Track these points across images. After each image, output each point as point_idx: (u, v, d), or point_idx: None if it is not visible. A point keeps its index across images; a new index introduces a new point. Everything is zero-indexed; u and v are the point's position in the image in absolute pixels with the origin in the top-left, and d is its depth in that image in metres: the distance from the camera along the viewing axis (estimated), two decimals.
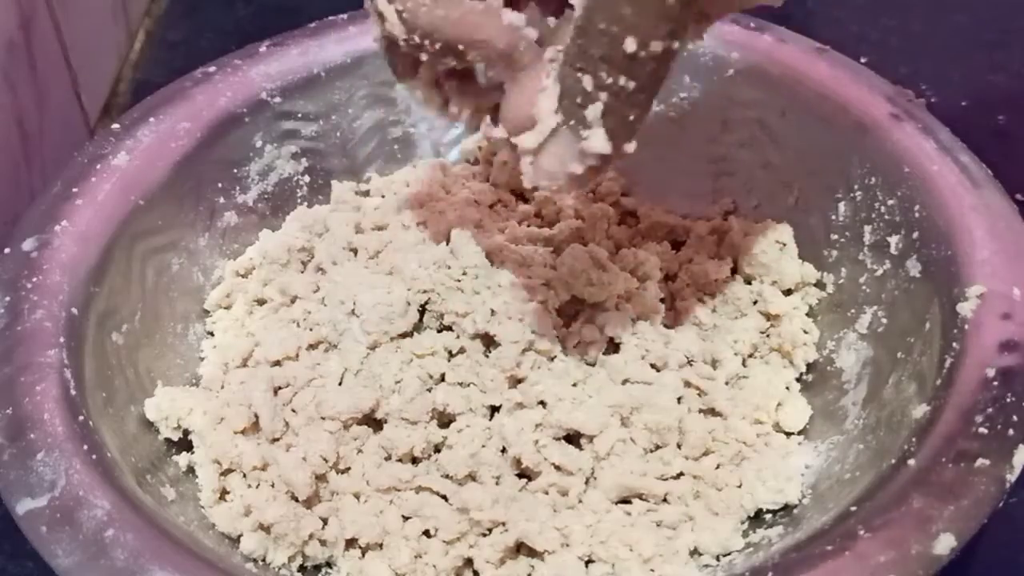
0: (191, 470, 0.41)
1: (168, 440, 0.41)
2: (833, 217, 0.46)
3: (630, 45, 0.31)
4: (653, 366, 0.42)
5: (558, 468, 0.39)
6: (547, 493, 0.39)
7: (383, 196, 0.50)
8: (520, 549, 0.38)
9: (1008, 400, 0.36)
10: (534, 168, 0.34)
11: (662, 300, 0.44)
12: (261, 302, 0.46)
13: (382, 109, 0.52)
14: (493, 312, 0.41)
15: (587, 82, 0.32)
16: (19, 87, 0.51)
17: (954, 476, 0.34)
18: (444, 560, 0.38)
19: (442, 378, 0.41)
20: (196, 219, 0.47)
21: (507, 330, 0.41)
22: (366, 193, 0.51)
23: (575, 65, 0.32)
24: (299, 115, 0.50)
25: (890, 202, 0.44)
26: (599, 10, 0.31)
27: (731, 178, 0.50)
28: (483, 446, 0.40)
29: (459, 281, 0.42)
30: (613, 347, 0.43)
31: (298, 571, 0.39)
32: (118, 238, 0.43)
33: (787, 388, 0.44)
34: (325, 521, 0.39)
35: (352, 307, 0.42)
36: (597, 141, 0.32)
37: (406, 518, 0.39)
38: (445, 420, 0.41)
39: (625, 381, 0.41)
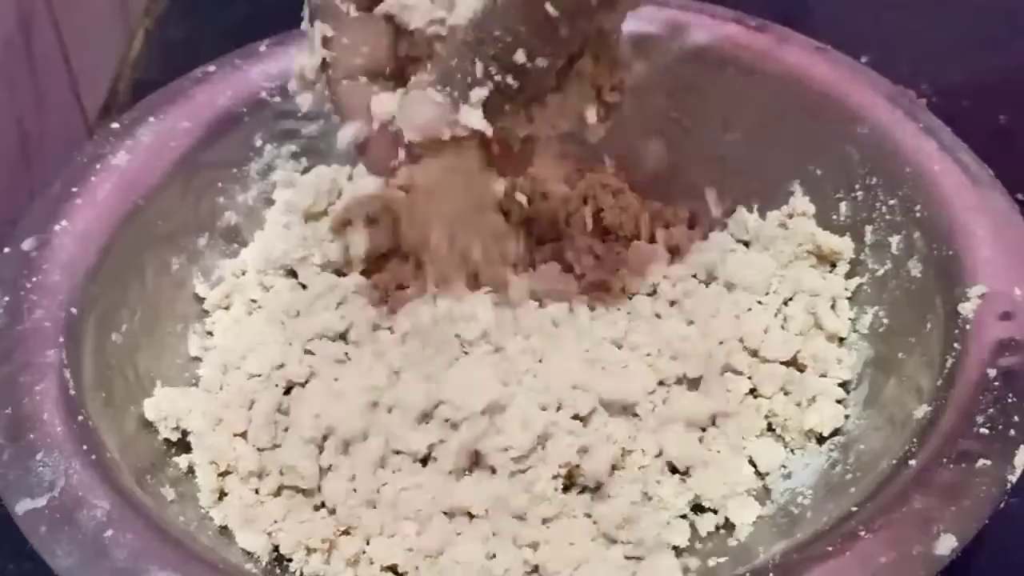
0: (191, 470, 0.41)
1: (168, 440, 0.41)
2: (834, 217, 0.46)
3: (520, 57, 0.33)
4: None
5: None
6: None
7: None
8: None
9: (1009, 400, 0.36)
10: (400, 112, 0.36)
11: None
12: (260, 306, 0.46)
13: None
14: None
15: (478, 69, 0.34)
16: (18, 87, 0.51)
17: (955, 477, 0.34)
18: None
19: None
20: (196, 219, 0.47)
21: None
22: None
23: (469, 46, 0.34)
24: (299, 115, 0.50)
25: (891, 202, 0.44)
26: (497, 17, 0.33)
27: (731, 178, 0.50)
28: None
29: None
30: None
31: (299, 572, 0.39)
32: (118, 238, 0.43)
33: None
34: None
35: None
36: (474, 119, 0.35)
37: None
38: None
39: None
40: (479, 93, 0.34)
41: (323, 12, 0.36)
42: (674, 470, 0.41)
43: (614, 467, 0.40)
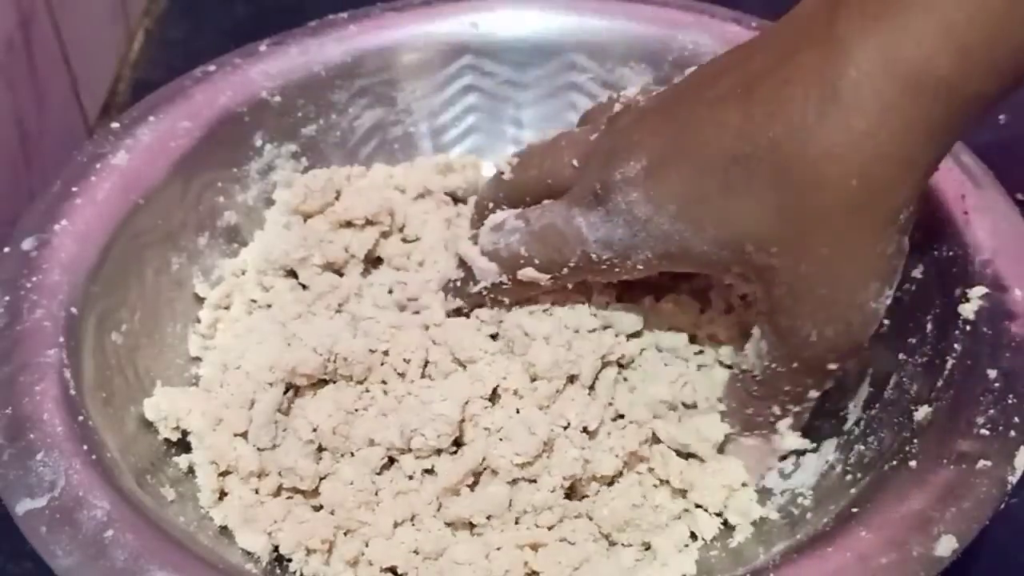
0: (191, 470, 0.41)
1: (168, 440, 0.41)
2: None
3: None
4: None
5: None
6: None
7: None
8: None
9: (1010, 401, 0.36)
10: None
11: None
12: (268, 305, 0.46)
13: (382, 109, 0.52)
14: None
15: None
16: (19, 87, 0.51)
17: (955, 477, 0.34)
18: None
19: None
20: (196, 219, 0.47)
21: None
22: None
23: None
24: (299, 114, 0.50)
25: None
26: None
27: None
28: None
29: None
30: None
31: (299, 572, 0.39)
32: (118, 238, 0.43)
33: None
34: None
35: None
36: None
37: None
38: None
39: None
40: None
41: None
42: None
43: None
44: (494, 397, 0.40)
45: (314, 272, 0.46)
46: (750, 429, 0.40)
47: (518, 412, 0.39)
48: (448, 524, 0.39)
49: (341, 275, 0.46)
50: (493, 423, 0.39)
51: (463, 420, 0.39)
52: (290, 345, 0.41)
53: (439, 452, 0.39)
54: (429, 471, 0.40)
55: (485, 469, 0.39)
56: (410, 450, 0.39)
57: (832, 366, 0.36)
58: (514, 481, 0.39)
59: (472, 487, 0.39)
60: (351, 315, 0.43)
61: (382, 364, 0.41)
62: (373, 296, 0.44)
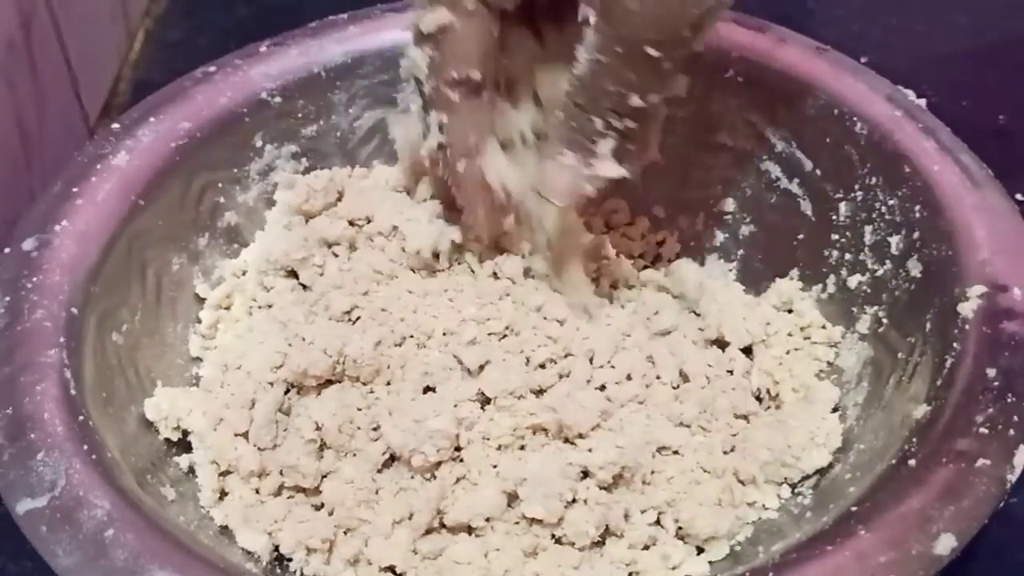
0: (191, 470, 0.41)
1: (168, 440, 0.41)
2: (834, 217, 0.46)
3: (635, 101, 0.36)
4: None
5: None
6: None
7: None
8: None
9: (1009, 400, 0.36)
10: (540, 184, 0.40)
11: None
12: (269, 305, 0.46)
13: (382, 109, 0.52)
14: None
15: (597, 124, 0.37)
16: (19, 87, 0.51)
17: (955, 476, 0.34)
18: None
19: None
20: (196, 219, 0.47)
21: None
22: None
23: (584, 107, 0.37)
24: (299, 115, 0.50)
25: (891, 202, 0.44)
26: (606, 74, 0.36)
27: (731, 178, 0.50)
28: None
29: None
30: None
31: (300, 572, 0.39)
32: (118, 238, 0.43)
33: None
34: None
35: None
36: (609, 168, 0.38)
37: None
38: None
39: None
40: (606, 145, 0.38)
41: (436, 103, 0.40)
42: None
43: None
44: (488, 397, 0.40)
45: (315, 272, 0.46)
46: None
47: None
48: (449, 529, 0.39)
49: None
50: (487, 431, 0.39)
51: (460, 422, 0.39)
52: (291, 345, 0.41)
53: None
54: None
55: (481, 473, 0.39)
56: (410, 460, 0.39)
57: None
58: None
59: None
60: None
61: (389, 367, 0.41)
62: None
